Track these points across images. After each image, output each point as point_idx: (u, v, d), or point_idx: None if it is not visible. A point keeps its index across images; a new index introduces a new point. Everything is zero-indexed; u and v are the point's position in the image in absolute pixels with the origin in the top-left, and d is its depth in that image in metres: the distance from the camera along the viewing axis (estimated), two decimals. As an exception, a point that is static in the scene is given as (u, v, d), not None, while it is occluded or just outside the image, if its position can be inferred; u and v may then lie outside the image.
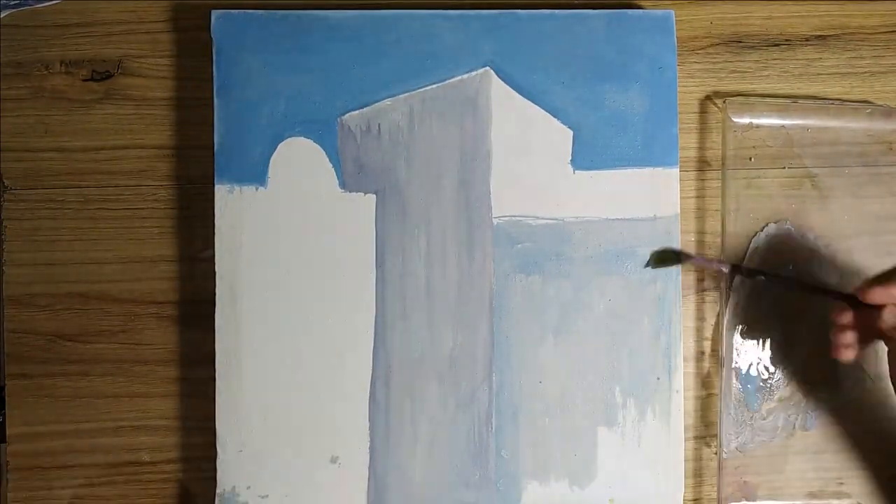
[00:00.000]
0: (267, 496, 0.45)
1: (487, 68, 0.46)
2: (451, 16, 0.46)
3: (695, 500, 0.48)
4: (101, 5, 0.48)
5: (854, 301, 0.41)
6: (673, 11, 0.47)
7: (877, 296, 0.40)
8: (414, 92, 0.46)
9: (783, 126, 0.48)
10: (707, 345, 0.48)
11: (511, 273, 0.46)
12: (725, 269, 0.46)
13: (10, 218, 0.47)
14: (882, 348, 0.44)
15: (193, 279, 0.47)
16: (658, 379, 0.46)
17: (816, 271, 0.48)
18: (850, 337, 0.42)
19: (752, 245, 0.48)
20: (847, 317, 0.42)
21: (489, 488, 0.45)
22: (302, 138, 0.46)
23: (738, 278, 0.47)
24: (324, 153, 0.46)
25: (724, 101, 0.48)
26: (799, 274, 0.47)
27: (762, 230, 0.48)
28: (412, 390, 0.45)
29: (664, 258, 0.46)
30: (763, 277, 0.45)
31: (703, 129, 0.49)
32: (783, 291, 0.47)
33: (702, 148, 0.49)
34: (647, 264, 0.45)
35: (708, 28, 0.49)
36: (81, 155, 0.47)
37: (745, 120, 0.48)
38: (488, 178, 0.46)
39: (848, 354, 0.43)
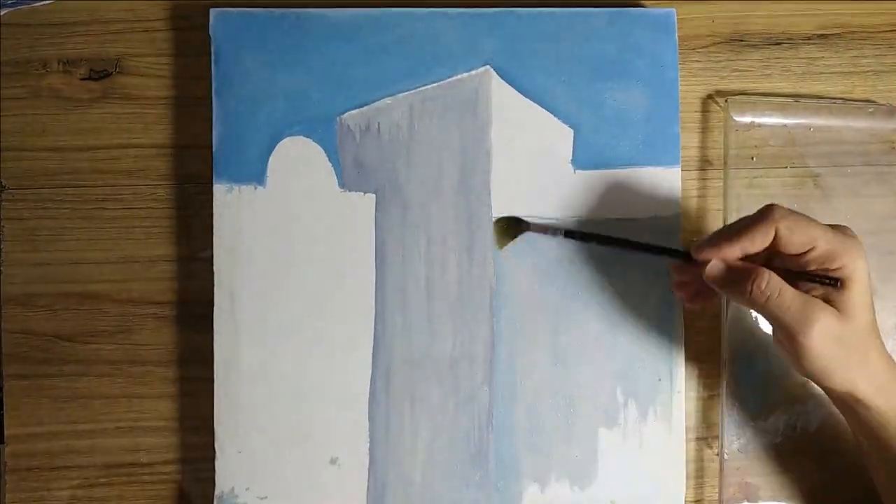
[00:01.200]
0: (266, 497, 0.44)
1: (488, 67, 0.46)
2: (452, 14, 0.46)
3: (696, 500, 0.48)
4: (99, 4, 0.47)
5: (688, 258, 0.42)
6: (674, 10, 0.46)
7: (705, 254, 0.40)
8: (414, 91, 0.46)
9: (785, 125, 0.48)
10: (708, 345, 0.48)
11: (511, 273, 0.46)
12: (561, 235, 0.45)
13: (7, 218, 0.47)
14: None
15: (192, 279, 0.47)
16: (659, 380, 0.46)
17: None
18: (689, 289, 0.43)
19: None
20: (683, 271, 0.43)
21: (489, 489, 0.45)
22: (301, 137, 0.45)
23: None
24: (323, 152, 0.45)
25: (725, 100, 0.48)
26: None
27: (764, 230, 0.48)
28: (412, 390, 0.45)
29: (505, 229, 0.45)
30: (595, 242, 0.45)
31: (705, 129, 0.49)
32: (618, 252, 0.46)
33: (703, 147, 0.49)
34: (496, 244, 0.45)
35: (709, 26, 0.49)
36: (79, 154, 0.47)
37: (747, 119, 0.48)
38: (488, 177, 0.46)
39: (692, 304, 0.44)
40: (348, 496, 0.45)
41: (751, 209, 0.48)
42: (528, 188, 0.46)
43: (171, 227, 0.47)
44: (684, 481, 0.46)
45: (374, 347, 0.45)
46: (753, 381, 0.47)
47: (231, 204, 0.45)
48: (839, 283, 0.38)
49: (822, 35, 0.49)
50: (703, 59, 0.49)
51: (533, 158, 0.46)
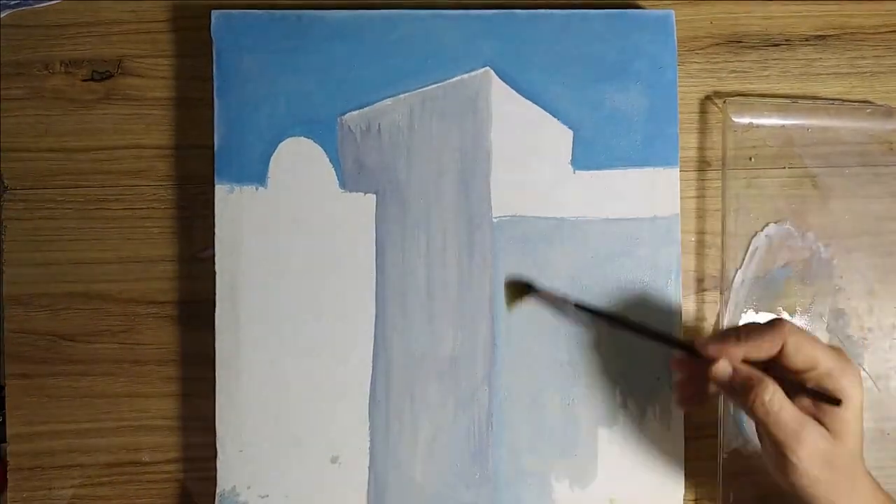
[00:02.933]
0: (267, 496, 0.45)
1: (487, 68, 0.46)
2: (452, 16, 0.46)
3: (695, 500, 0.48)
4: (101, 5, 0.48)
5: (693, 351, 0.41)
6: (673, 11, 0.47)
7: (712, 350, 0.39)
8: (414, 92, 0.46)
9: (783, 126, 0.49)
10: (707, 345, 0.48)
11: (511, 273, 0.46)
12: (570, 304, 0.45)
13: (10, 218, 0.47)
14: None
15: (193, 279, 0.47)
16: (658, 379, 0.46)
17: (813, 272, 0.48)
18: (691, 387, 0.42)
19: (752, 245, 0.48)
20: (687, 366, 0.42)
21: (489, 488, 0.45)
22: (302, 138, 0.46)
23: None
24: (324, 153, 0.46)
25: (724, 101, 0.48)
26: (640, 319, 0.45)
27: (762, 230, 0.48)
28: (412, 390, 0.45)
29: (515, 291, 0.45)
30: (605, 318, 0.45)
31: (704, 129, 0.49)
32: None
33: (702, 148, 0.49)
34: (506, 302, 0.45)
35: (708, 28, 0.49)
36: (81, 155, 0.47)
37: (746, 120, 0.48)
38: (488, 177, 0.46)
39: (689, 403, 0.44)
40: (349, 495, 0.45)
41: (749, 209, 0.48)
42: (528, 188, 0.46)
43: (172, 227, 0.47)
44: (683, 480, 0.46)
45: (374, 347, 0.45)
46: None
47: (232, 204, 0.45)
48: (839, 403, 0.37)
49: (819, 36, 0.49)
50: (701, 61, 0.49)
51: (532, 159, 0.46)
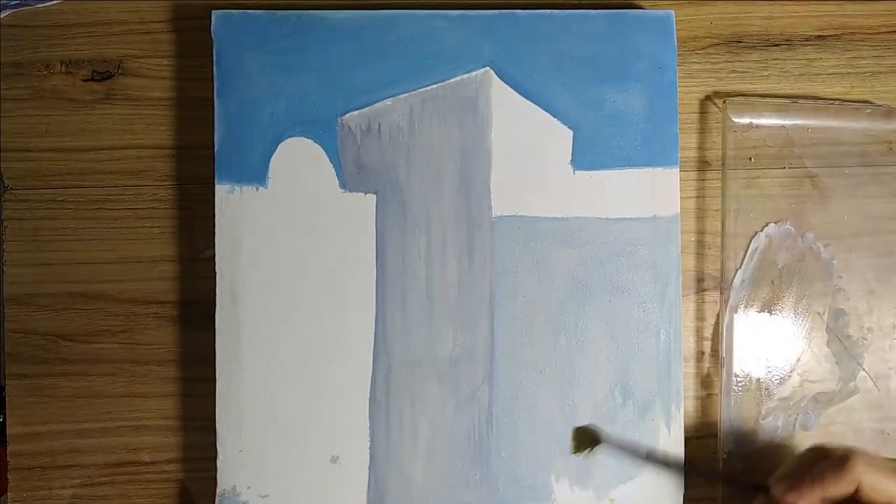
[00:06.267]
0: (267, 496, 0.45)
1: (487, 68, 0.46)
2: (451, 16, 0.46)
3: (695, 500, 0.48)
4: (102, 5, 0.48)
5: (766, 490, 0.40)
6: (673, 11, 0.47)
7: (788, 499, 0.39)
8: (414, 92, 0.46)
9: (783, 126, 0.49)
10: (707, 345, 0.48)
11: (511, 273, 0.46)
12: (641, 458, 0.45)
13: (10, 218, 0.47)
14: None
15: (194, 279, 0.47)
16: (658, 379, 0.46)
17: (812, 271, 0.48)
18: None
19: (752, 245, 0.48)
20: None
21: (489, 488, 0.45)
22: (302, 138, 0.46)
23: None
24: (324, 153, 0.46)
25: (724, 101, 0.48)
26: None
27: (762, 230, 0.48)
28: (412, 390, 0.45)
29: (584, 439, 0.45)
30: (677, 468, 0.45)
31: (703, 129, 0.49)
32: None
33: (702, 148, 0.49)
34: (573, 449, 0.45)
35: (708, 28, 0.49)
36: (82, 155, 0.47)
37: (745, 120, 0.48)
38: (488, 177, 0.46)
39: None
40: (349, 494, 0.45)
41: (749, 209, 0.48)
42: (528, 189, 0.46)
43: (173, 227, 0.47)
44: (683, 480, 0.46)
45: (374, 347, 0.45)
46: (752, 380, 0.48)
47: (233, 204, 0.45)
48: None
49: (819, 36, 0.49)
50: (701, 61, 0.49)
51: (533, 159, 0.46)
